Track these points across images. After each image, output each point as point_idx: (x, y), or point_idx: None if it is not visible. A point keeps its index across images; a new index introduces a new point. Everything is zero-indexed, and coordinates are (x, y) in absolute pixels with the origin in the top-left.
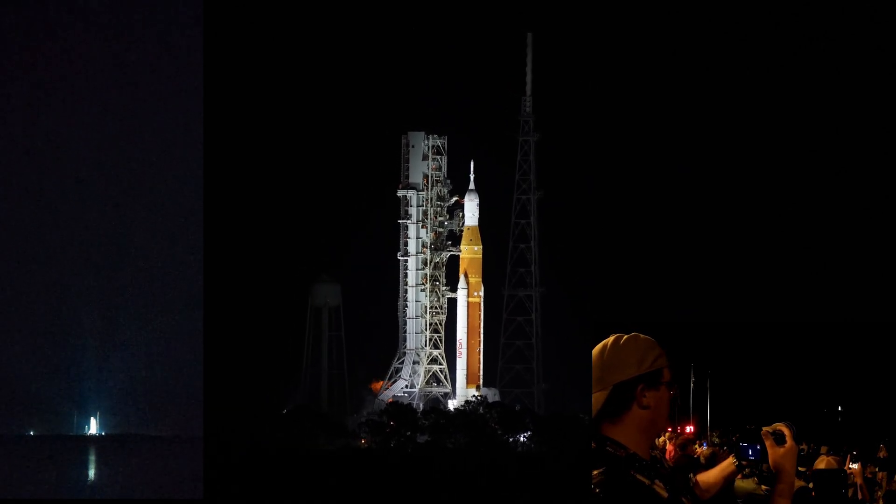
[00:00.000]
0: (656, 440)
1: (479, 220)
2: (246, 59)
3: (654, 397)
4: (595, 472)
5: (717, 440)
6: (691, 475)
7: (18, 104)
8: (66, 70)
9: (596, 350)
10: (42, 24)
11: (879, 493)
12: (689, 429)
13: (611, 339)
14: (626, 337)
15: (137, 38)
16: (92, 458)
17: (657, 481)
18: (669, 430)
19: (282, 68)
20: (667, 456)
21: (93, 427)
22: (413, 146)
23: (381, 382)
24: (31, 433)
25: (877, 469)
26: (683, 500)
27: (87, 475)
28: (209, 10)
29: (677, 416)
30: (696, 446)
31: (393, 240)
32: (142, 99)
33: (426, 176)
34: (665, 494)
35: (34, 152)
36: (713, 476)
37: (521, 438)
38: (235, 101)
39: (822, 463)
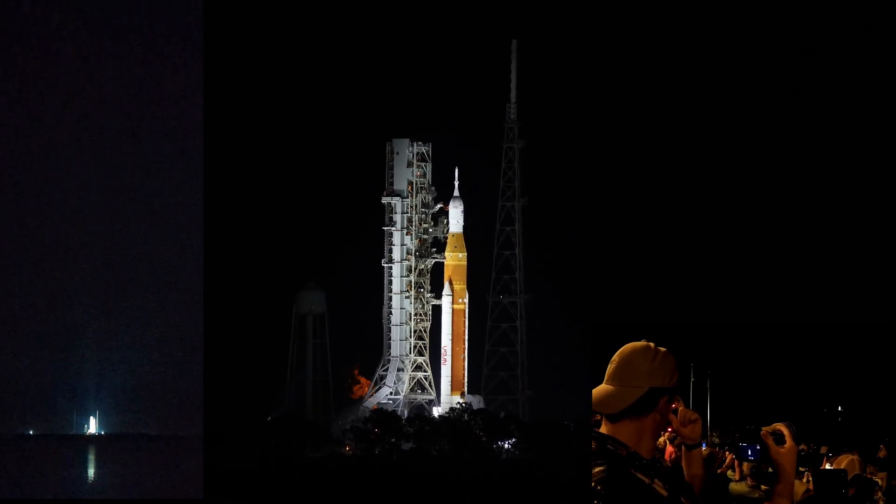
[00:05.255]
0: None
1: (464, 226)
2: (242, 65)
3: (668, 408)
4: (596, 470)
5: (717, 440)
6: None
7: (17, 104)
8: (65, 70)
9: (636, 351)
10: (41, 23)
11: (879, 492)
12: None
13: (647, 344)
14: (663, 349)
15: (136, 41)
16: (91, 457)
17: (657, 480)
18: (669, 430)
19: (270, 77)
20: (666, 456)
21: (92, 426)
22: (398, 153)
23: (357, 379)
24: (31, 433)
25: (877, 469)
26: (682, 499)
27: (86, 475)
28: (208, 18)
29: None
30: None
31: (377, 247)
32: (142, 104)
33: (411, 183)
34: (664, 493)
35: (33, 152)
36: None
37: (506, 445)
38: (225, 110)
39: (843, 461)
